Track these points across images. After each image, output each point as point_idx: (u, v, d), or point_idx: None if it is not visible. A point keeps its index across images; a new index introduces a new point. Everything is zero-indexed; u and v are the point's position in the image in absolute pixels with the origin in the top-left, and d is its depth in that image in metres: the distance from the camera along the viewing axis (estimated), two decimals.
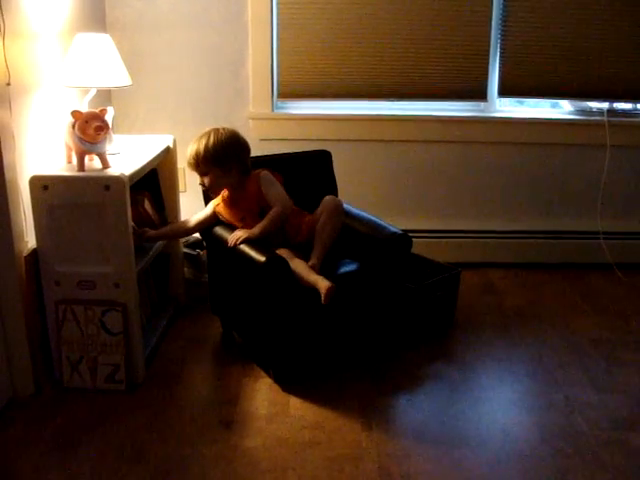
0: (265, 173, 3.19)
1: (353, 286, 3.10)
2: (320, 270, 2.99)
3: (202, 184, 3.19)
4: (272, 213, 3.11)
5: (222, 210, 3.23)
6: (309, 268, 2.97)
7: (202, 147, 3.10)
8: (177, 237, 3.59)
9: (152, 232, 3.29)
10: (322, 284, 2.86)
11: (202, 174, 3.15)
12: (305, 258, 3.04)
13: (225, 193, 3.22)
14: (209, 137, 3.12)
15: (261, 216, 3.12)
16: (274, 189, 3.17)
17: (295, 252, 3.07)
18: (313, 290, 2.87)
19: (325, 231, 3.14)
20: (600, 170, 4.32)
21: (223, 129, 3.18)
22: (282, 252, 3.01)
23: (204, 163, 3.11)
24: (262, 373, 3.15)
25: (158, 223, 3.50)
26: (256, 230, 3.06)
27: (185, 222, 3.38)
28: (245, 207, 3.17)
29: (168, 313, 3.60)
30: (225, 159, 3.11)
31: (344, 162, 3.87)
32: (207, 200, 3.34)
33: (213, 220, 3.27)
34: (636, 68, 4.17)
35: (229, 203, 3.22)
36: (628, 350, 3.41)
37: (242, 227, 3.13)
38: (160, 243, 3.39)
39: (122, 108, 4.03)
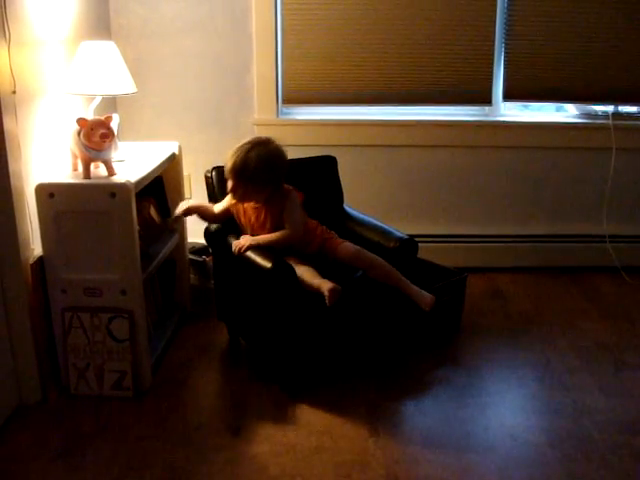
0: (294, 196, 3.12)
1: (360, 291, 3.09)
2: (328, 275, 2.98)
3: (232, 191, 3.06)
4: (282, 234, 3.08)
5: (239, 209, 3.19)
6: (315, 273, 2.97)
7: (242, 163, 2.96)
8: (206, 218, 3.31)
9: (193, 205, 3.24)
10: (326, 286, 2.86)
11: (236, 186, 3.03)
12: (317, 268, 3.03)
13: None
14: (251, 151, 2.98)
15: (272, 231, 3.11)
16: (294, 214, 3.11)
17: (302, 260, 3.07)
18: (320, 296, 2.87)
19: (386, 276, 3.11)
20: (606, 173, 4.32)
21: (267, 143, 3.06)
22: (288, 259, 3.01)
23: (241, 179, 3.00)
24: (269, 379, 3.14)
25: (163, 230, 3.50)
26: (260, 240, 3.05)
27: (212, 207, 3.27)
28: (262, 219, 3.13)
29: (174, 320, 3.60)
30: (263, 179, 3.02)
31: (349, 167, 3.87)
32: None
33: (228, 214, 3.22)
34: None
35: (248, 208, 3.17)
36: (636, 354, 3.39)
37: (250, 234, 3.13)
38: (166, 250, 3.39)
39: (127, 115, 4.04)
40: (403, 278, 3.11)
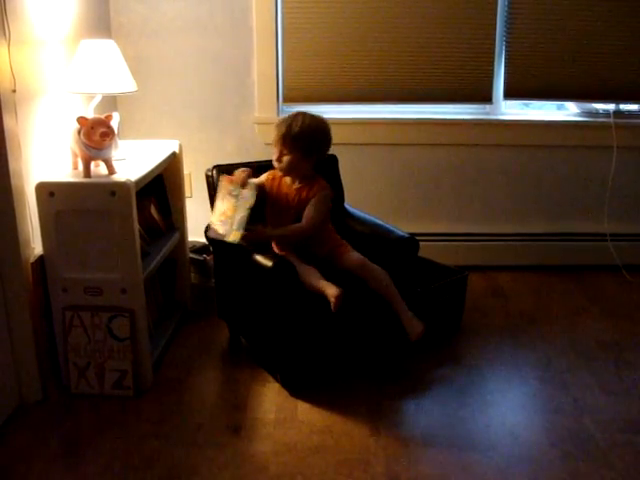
0: (327, 193, 3.15)
1: (360, 290, 3.09)
2: (326, 274, 2.98)
3: (278, 160, 3.10)
4: (294, 227, 3.10)
5: (273, 186, 3.19)
6: (318, 274, 2.96)
7: (297, 125, 3.02)
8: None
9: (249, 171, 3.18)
10: (330, 291, 2.85)
11: (283, 153, 3.07)
12: (324, 273, 3.02)
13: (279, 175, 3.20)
14: (304, 118, 3.06)
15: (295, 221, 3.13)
16: (318, 210, 3.10)
17: (307, 260, 3.08)
18: (321, 296, 2.87)
19: (385, 291, 3.08)
20: (607, 172, 4.31)
21: (315, 115, 3.12)
22: (290, 257, 3.01)
23: (293, 142, 3.03)
24: (270, 378, 3.14)
25: (164, 229, 3.50)
26: (273, 232, 3.10)
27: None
28: (290, 204, 3.14)
29: (175, 318, 3.60)
30: (311, 145, 3.06)
31: (350, 166, 3.86)
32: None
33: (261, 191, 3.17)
34: None
35: (281, 188, 3.18)
36: (637, 352, 3.39)
37: (270, 218, 3.16)
38: (166, 249, 3.38)
39: (127, 114, 4.04)
40: (400, 299, 3.07)
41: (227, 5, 4.00)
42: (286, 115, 3.12)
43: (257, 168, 3.29)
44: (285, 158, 3.07)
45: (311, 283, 2.92)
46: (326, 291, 2.87)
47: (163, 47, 4.04)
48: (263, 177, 3.24)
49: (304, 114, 3.09)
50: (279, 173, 3.18)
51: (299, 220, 3.11)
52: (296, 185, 3.16)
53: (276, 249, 3.15)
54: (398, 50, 4.09)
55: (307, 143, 3.04)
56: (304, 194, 3.13)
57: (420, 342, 3.18)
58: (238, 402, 2.97)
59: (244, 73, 4.11)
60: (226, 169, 3.35)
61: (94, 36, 3.39)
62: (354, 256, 3.12)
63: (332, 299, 2.83)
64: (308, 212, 3.10)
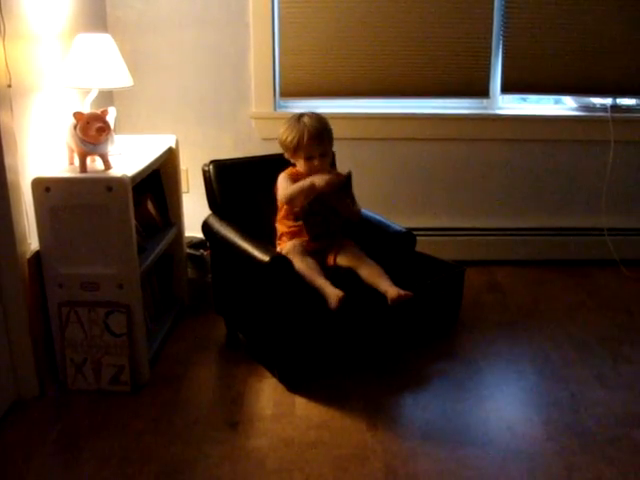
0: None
1: (357, 285, 3.08)
2: (326, 270, 2.98)
3: (321, 158, 3.11)
4: (357, 209, 3.23)
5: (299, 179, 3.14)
6: (319, 270, 2.96)
7: (327, 122, 3.13)
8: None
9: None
10: (331, 293, 2.84)
11: (321, 153, 3.10)
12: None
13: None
14: (314, 115, 3.13)
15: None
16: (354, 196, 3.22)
17: (312, 252, 3.09)
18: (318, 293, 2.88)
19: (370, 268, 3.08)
20: (604, 166, 4.31)
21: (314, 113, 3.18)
22: (296, 243, 3.03)
23: (330, 140, 3.15)
24: (267, 373, 3.14)
25: (161, 224, 3.49)
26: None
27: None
28: (324, 197, 3.10)
29: (172, 314, 3.60)
30: (330, 140, 3.16)
31: (347, 160, 3.85)
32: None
33: None
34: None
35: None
36: (634, 347, 3.39)
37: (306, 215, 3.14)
38: (163, 244, 3.38)
39: (124, 109, 4.03)
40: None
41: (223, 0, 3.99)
42: (292, 119, 3.12)
43: (255, 163, 3.29)
44: (324, 160, 3.12)
45: (312, 279, 2.91)
46: (325, 292, 2.86)
47: (160, 42, 4.03)
48: (285, 182, 3.15)
49: (318, 115, 3.15)
50: (294, 170, 3.18)
51: (335, 211, 3.14)
52: (318, 162, 3.13)
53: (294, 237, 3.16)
54: (395, 44, 4.09)
55: (332, 135, 3.15)
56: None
57: (418, 337, 3.17)
58: (235, 397, 2.97)
59: (241, 68, 4.11)
60: (223, 164, 3.35)
61: (90, 30, 3.37)
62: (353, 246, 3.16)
63: (333, 303, 2.82)
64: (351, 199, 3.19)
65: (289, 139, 3.08)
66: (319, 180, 2.98)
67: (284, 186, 3.11)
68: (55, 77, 3.12)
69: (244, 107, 4.17)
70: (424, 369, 3.21)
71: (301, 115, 3.12)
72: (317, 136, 3.06)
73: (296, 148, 3.08)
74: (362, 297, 3.07)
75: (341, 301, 2.82)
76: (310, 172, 3.09)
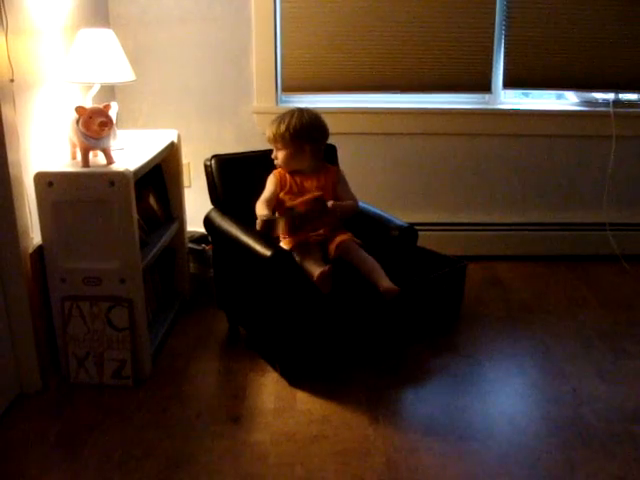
0: (342, 171, 3.34)
1: (359, 280, 3.09)
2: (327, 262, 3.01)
3: (275, 158, 3.24)
4: (351, 203, 3.24)
5: (286, 182, 3.22)
6: (316, 259, 2.98)
7: (283, 125, 3.16)
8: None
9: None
10: (315, 270, 2.88)
11: (277, 149, 3.22)
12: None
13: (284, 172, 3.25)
14: (292, 116, 3.18)
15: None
16: (349, 188, 3.32)
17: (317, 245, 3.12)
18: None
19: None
20: (606, 161, 4.31)
21: (307, 111, 3.23)
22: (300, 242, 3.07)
23: (281, 139, 3.16)
24: (269, 367, 3.15)
25: (163, 219, 3.50)
26: (340, 205, 3.16)
27: (269, 203, 3.22)
28: (316, 186, 3.21)
29: (174, 308, 3.60)
30: (300, 138, 3.16)
31: (349, 155, 3.86)
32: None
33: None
34: None
35: (295, 184, 3.22)
36: (635, 342, 3.40)
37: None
38: (165, 238, 3.38)
39: (126, 103, 4.03)
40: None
41: None
42: (282, 114, 3.21)
43: (257, 158, 3.29)
44: (280, 155, 3.20)
45: (307, 267, 2.94)
46: (311, 270, 2.89)
47: (162, 37, 4.03)
48: (273, 185, 3.23)
49: (293, 113, 3.20)
50: (282, 170, 3.24)
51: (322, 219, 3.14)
52: (308, 177, 3.21)
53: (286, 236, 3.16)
54: (397, 39, 4.08)
55: (293, 137, 3.16)
56: (327, 181, 3.24)
57: (419, 332, 3.17)
58: (237, 392, 2.98)
59: (243, 63, 4.10)
60: (225, 159, 3.35)
61: (92, 25, 3.38)
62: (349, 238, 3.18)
63: (316, 273, 2.86)
64: (346, 192, 3.28)
65: (267, 133, 3.25)
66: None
67: (261, 200, 3.20)
68: (57, 72, 3.12)
69: (246, 102, 4.17)
70: (425, 364, 3.22)
71: (292, 113, 3.20)
72: (270, 138, 3.21)
73: (274, 143, 3.23)
74: (363, 291, 3.08)
75: (323, 275, 2.84)
76: (296, 176, 3.23)
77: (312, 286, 2.90)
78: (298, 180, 3.21)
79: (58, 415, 2.79)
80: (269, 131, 3.20)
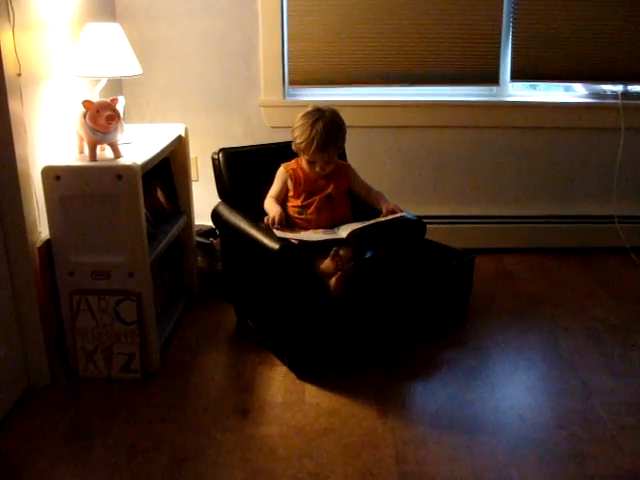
0: (350, 164, 3.32)
1: (368, 273, 3.08)
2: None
3: (321, 169, 3.10)
4: (382, 195, 3.27)
5: (299, 176, 3.15)
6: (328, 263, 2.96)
7: (342, 123, 3.11)
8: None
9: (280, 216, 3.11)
10: (330, 272, 2.86)
11: (326, 161, 3.09)
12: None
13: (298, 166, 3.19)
14: (336, 114, 3.11)
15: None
16: (362, 179, 3.30)
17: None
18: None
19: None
20: (615, 153, 4.29)
21: (327, 107, 3.14)
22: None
23: (337, 146, 3.10)
24: (277, 361, 3.15)
25: (170, 212, 3.50)
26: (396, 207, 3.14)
27: (278, 200, 3.18)
28: (325, 188, 3.14)
29: (182, 302, 3.60)
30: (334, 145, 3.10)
31: (356, 148, 3.84)
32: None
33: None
34: None
35: (308, 179, 3.15)
36: None
37: (309, 205, 3.13)
38: (173, 232, 3.38)
39: (133, 97, 4.03)
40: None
41: None
42: (310, 119, 3.06)
43: (264, 151, 3.28)
44: (328, 157, 3.09)
45: (320, 268, 2.92)
46: (326, 271, 2.87)
47: (168, 30, 4.02)
48: (283, 178, 3.19)
49: (332, 111, 3.11)
50: (294, 166, 3.18)
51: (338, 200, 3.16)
52: (320, 168, 3.11)
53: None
54: (405, 32, 4.07)
55: (341, 136, 3.13)
56: (343, 177, 3.20)
57: (428, 325, 3.15)
58: (245, 385, 2.98)
59: (250, 56, 4.10)
60: (232, 152, 3.35)
61: (99, 19, 3.38)
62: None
63: (332, 289, 2.86)
64: (362, 185, 3.28)
65: (298, 141, 3.07)
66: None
67: (270, 196, 3.17)
68: (64, 66, 3.13)
69: (253, 95, 4.16)
70: (434, 357, 3.21)
71: (318, 118, 3.04)
72: (323, 147, 3.03)
73: (303, 151, 3.08)
74: (371, 285, 3.08)
75: (338, 281, 2.83)
76: (310, 173, 3.13)
77: (320, 280, 2.90)
78: (312, 177, 3.14)
79: (67, 409, 2.80)
80: (314, 146, 3.01)
